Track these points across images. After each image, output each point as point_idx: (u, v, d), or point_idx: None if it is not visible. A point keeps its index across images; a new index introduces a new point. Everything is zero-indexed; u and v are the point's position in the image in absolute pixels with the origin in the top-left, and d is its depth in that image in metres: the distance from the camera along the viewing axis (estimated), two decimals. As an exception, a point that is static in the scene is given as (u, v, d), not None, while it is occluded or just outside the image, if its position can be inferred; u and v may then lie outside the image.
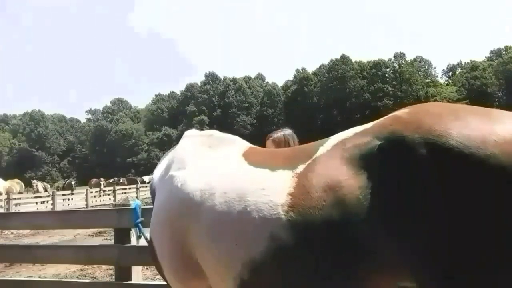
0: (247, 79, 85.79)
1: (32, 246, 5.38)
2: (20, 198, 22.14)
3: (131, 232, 3.64)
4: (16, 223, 4.62)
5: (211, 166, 2.14)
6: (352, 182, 1.55)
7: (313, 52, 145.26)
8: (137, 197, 24.78)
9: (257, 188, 1.81)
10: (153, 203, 2.67)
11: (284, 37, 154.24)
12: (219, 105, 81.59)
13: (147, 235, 2.89)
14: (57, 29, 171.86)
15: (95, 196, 25.94)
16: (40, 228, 8.48)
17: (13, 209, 18.48)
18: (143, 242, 3.05)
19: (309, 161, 1.75)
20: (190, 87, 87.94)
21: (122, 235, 3.75)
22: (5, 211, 16.28)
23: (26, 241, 11.98)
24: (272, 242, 1.66)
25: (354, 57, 74.92)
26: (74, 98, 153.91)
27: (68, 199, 24.17)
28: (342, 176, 1.58)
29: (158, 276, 6.66)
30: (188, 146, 2.42)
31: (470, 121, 1.41)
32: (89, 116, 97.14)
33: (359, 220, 1.49)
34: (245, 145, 2.35)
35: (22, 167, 73.88)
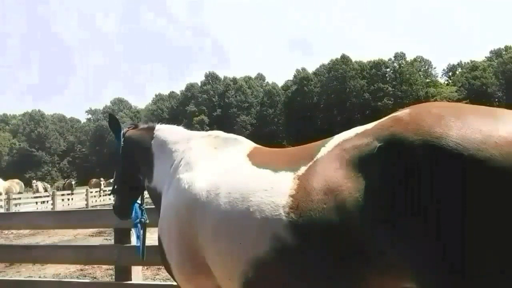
0: (247, 79, 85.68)
1: (32, 246, 5.38)
2: (20, 198, 22.14)
3: (131, 232, 3.65)
4: (16, 223, 4.62)
5: (217, 167, 2.21)
6: (352, 184, 1.55)
7: (313, 52, 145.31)
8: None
9: (259, 189, 1.85)
10: (155, 204, 2.68)
11: (284, 37, 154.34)
12: (219, 105, 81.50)
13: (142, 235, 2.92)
14: (57, 28, 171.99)
15: (95, 196, 25.95)
16: (40, 228, 8.48)
17: (13, 209, 18.49)
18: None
19: (311, 163, 1.77)
20: (190, 87, 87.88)
21: (122, 235, 3.77)
22: (5, 211, 16.31)
23: (26, 241, 11.97)
24: (275, 242, 1.69)
25: (354, 57, 74.95)
26: (74, 98, 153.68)
27: (68, 199, 24.18)
28: (342, 178, 1.59)
29: (158, 276, 6.68)
30: (194, 148, 2.48)
31: (471, 122, 1.39)
32: (89, 116, 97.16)
33: (359, 223, 1.49)
34: (250, 145, 2.40)
35: (22, 167, 73.84)
